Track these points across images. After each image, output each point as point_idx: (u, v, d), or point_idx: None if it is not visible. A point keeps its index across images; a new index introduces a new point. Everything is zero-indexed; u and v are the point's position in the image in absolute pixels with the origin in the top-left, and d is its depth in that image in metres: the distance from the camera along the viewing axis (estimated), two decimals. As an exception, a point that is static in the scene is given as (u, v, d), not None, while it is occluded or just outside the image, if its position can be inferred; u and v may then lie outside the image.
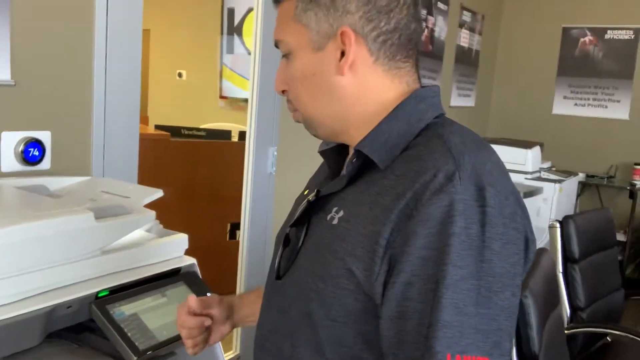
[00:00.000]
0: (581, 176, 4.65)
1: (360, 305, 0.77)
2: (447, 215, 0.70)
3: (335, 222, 0.81)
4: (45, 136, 1.56)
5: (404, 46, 0.83)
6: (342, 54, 0.81)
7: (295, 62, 0.85)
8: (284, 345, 0.86)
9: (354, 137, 0.85)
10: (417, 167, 0.75)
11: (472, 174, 0.73)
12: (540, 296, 1.36)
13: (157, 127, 4.25)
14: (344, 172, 0.84)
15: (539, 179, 3.84)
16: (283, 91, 0.89)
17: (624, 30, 4.81)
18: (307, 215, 0.87)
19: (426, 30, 3.81)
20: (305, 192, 0.94)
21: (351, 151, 0.85)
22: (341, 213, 0.81)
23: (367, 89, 0.83)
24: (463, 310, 0.69)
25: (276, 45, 0.88)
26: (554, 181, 3.80)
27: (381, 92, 0.84)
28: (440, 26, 4.00)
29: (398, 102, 0.83)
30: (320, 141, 0.95)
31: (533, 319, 1.24)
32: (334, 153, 0.93)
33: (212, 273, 2.05)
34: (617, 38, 4.83)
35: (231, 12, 5.87)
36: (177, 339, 1.17)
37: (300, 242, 0.86)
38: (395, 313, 0.73)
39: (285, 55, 0.86)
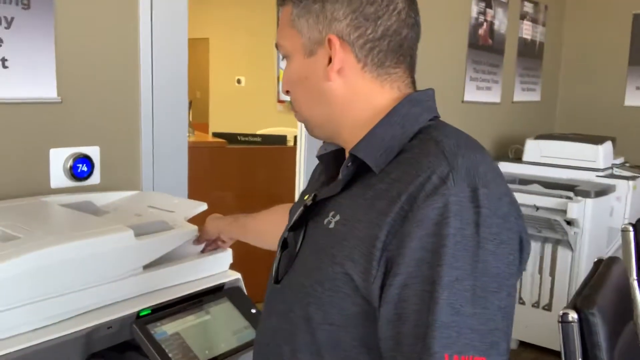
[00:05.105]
0: (659, 171, 4.36)
1: (357, 309, 0.78)
2: (441, 217, 0.72)
3: (332, 226, 0.82)
4: (93, 151, 1.57)
5: (394, 52, 0.84)
6: (331, 60, 0.84)
7: (291, 66, 0.89)
8: (284, 349, 0.86)
9: (347, 140, 0.87)
10: (412, 170, 0.76)
11: (465, 176, 0.74)
12: (611, 311, 1.24)
13: (215, 134, 4.30)
14: (340, 176, 0.85)
15: (612, 176, 3.61)
16: (287, 91, 0.92)
17: (702, 13, 4.49)
18: (304, 220, 0.89)
19: (485, 24, 3.67)
20: (306, 197, 0.94)
21: (347, 155, 0.86)
22: (338, 217, 0.82)
23: (356, 94, 0.85)
24: (459, 311, 0.70)
25: (277, 47, 0.91)
26: (628, 178, 3.57)
27: (371, 97, 0.85)
28: (500, 19, 3.84)
29: (391, 106, 0.84)
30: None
31: (602, 340, 1.12)
32: (332, 157, 0.95)
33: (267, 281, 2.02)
34: (694, 22, 4.51)
35: (287, 16, 5.89)
36: (220, 359, 1.14)
37: (298, 247, 0.88)
38: (392, 315, 0.73)
39: (285, 58, 0.90)
